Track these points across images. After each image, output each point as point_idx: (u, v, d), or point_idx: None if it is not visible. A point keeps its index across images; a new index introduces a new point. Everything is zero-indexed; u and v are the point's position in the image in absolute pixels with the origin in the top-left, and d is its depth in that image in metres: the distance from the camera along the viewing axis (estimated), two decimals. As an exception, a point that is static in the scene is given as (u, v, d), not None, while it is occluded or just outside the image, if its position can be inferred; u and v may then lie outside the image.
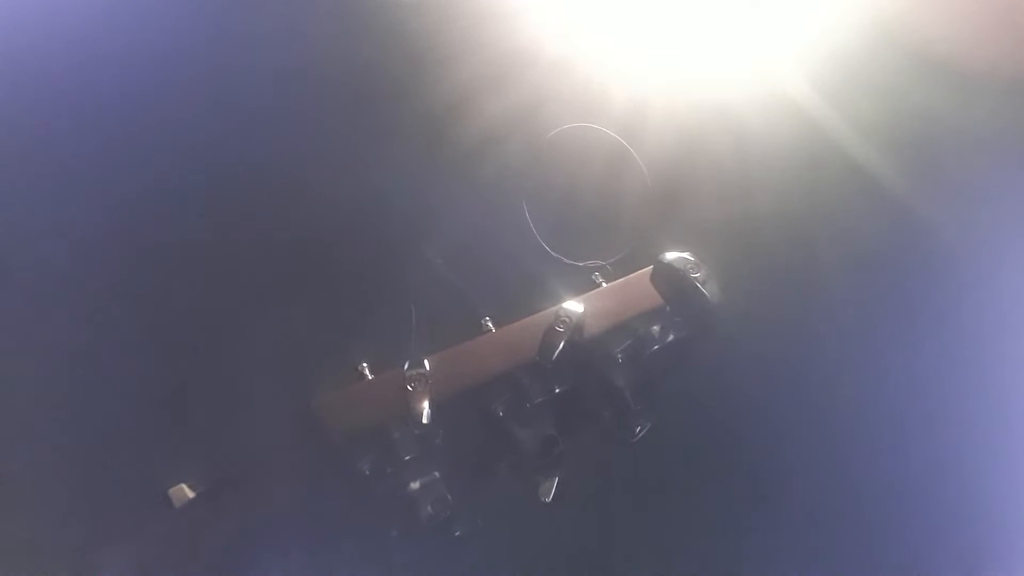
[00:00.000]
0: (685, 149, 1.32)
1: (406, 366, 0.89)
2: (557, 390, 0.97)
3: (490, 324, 0.98)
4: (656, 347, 1.03)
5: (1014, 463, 1.41)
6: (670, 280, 0.99)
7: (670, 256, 0.98)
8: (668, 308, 1.01)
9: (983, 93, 1.44)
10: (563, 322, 0.89)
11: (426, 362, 0.89)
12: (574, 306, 0.90)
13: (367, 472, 0.92)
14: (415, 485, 0.97)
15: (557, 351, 0.89)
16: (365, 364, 0.94)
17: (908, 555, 1.33)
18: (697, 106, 1.35)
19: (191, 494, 0.90)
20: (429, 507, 0.98)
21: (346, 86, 1.24)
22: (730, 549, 1.26)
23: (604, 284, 1.05)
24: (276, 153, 1.18)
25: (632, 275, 1.05)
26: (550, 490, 1.02)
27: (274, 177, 1.17)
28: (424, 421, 0.87)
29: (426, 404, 0.87)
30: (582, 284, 1.05)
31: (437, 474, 0.98)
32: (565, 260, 1.12)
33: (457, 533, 1.02)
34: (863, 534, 1.32)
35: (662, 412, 1.14)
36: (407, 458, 0.91)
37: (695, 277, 0.95)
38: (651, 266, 1.04)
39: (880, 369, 1.37)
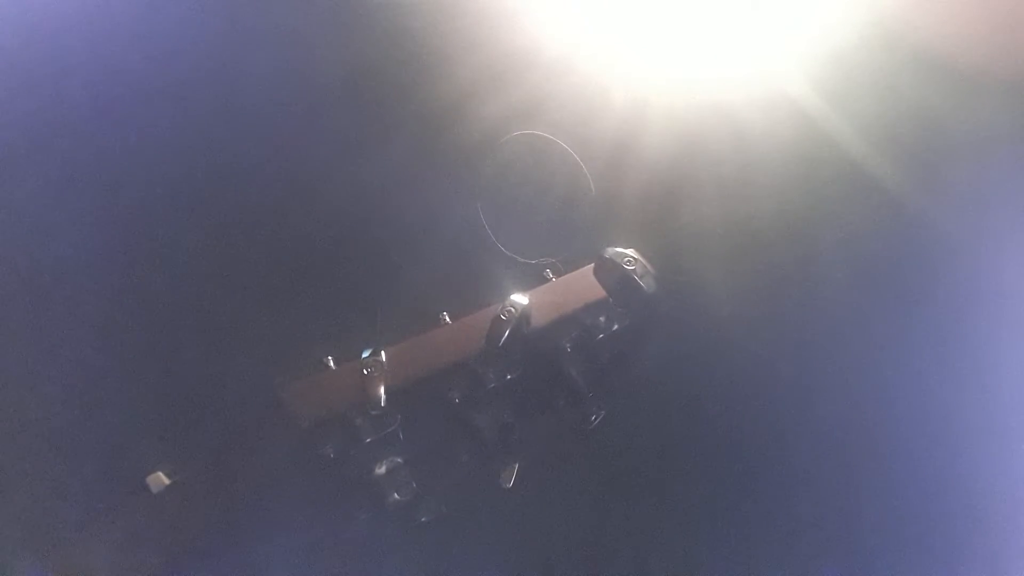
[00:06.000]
0: (684, 149, 1.36)
1: (363, 355, 0.96)
2: (509, 376, 1.04)
3: (447, 319, 1.06)
4: (601, 336, 1.10)
5: (1015, 464, 1.42)
6: (611, 273, 1.07)
7: (610, 251, 1.06)
8: (610, 299, 1.08)
9: (983, 93, 1.45)
10: (508, 311, 0.96)
11: (383, 352, 0.97)
12: (519, 297, 0.98)
13: (332, 455, 0.98)
14: (380, 471, 1.04)
15: (503, 337, 0.96)
16: (330, 357, 1.01)
17: (908, 555, 1.34)
18: (696, 106, 1.38)
19: (167, 481, 0.96)
20: (395, 493, 1.04)
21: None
22: (716, 546, 1.29)
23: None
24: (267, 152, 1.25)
25: (577, 271, 1.13)
26: (511, 476, 1.09)
27: (266, 177, 1.23)
28: (380, 404, 0.93)
29: (382, 388, 0.94)
30: (536, 281, 1.13)
31: (401, 460, 1.04)
32: (519, 259, 1.19)
33: (423, 519, 1.08)
34: (861, 534, 1.33)
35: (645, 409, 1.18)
36: (368, 440, 0.97)
37: (631, 270, 1.03)
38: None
39: (879, 369, 1.38)
